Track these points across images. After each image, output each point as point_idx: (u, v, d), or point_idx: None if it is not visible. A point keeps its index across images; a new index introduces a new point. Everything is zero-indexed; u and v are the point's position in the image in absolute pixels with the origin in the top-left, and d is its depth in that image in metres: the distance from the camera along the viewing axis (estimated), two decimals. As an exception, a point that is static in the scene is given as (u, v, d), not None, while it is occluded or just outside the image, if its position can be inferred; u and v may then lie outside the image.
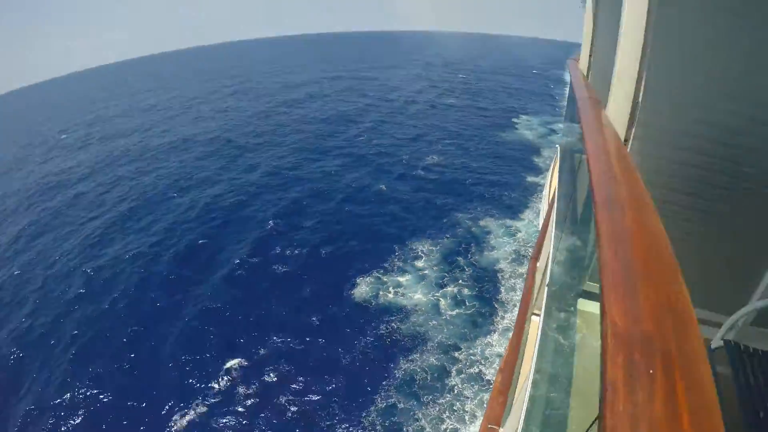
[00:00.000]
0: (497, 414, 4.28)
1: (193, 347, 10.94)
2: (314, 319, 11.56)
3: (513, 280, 12.69)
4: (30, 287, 14.35)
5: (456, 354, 10.18)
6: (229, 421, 8.98)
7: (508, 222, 16.19)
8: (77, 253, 15.93)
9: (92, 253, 15.81)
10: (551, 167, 11.66)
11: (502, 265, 13.43)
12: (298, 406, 9.19)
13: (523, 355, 4.39)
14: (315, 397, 9.34)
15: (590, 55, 5.74)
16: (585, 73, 5.65)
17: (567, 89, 7.04)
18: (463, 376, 9.61)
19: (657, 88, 2.13)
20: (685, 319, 0.90)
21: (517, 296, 11.61)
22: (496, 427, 4.15)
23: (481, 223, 16.22)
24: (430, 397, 9.18)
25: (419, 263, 13.79)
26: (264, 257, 14.47)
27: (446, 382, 9.48)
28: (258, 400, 9.35)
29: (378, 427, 8.63)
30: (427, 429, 8.55)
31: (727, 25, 1.95)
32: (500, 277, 12.86)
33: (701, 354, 0.86)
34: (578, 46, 6.10)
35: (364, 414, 8.91)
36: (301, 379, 9.79)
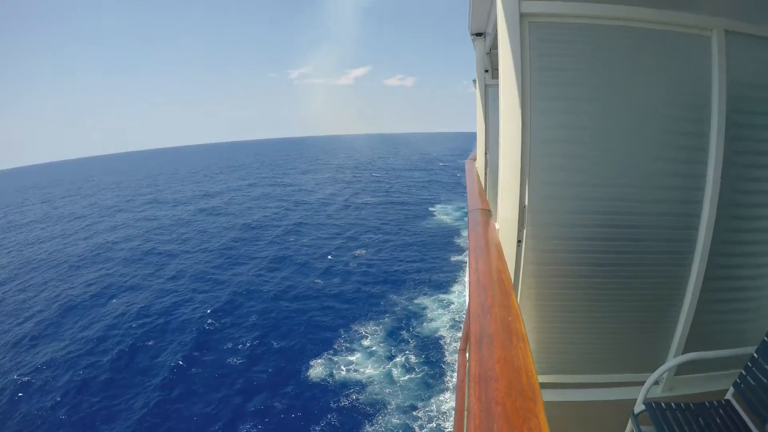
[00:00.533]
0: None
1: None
2: (276, 404, 12.09)
3: (455, 344, 14.12)
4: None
5: (414, 413, 11.23)
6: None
7: (441, 296, 17.96)
8: (9, 360, 15.12)
9: (24, 360, 15.08)
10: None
11: (443, 332, 14.98)
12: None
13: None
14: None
15: (486, 152, 5.97)
16: (484, 170, 5.92)
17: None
18: (425, 430, 10.67)
19: (539, 189, 2.25)
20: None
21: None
22: None
23: (416, 301, 17.82)
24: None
25: (365, 342, 14.89)
26: (213, 353, 14.72)
27: (411, 438, 10.50)
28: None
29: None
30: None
31: (595, 124, 2.20)
32: (442, 343, 14.30)
33: None
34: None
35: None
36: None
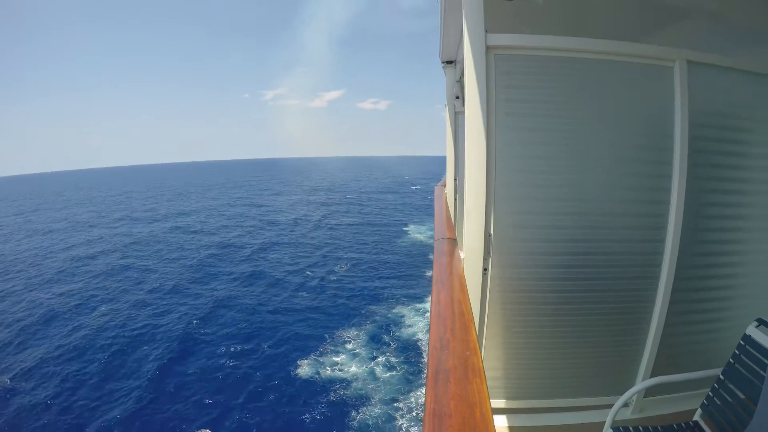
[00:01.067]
0: None
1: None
2: (271, 396, 13.21)
3: (431, 346, 15.48)
4: None
5: (396, 404, 12.53)
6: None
7: (417, 305, 19.40)
8: None
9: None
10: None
11: (420, 335, 16.38)
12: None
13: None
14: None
15: (455, 179, 5.93)
16: (453, 196, 5.88)
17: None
18: (405, 418, 11.95)
19: (504, 218, 2.28)
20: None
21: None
22: None
23: (394, 310, 19.19)
24: (384, 435, 11.34)
25: (349, 345, 16.14)
26: (201, 358, 15.62)
27: (394, 424, 11.71)
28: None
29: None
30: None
31: (562, 154, 2.24)
32: (420, 345, 15.69)
33: None
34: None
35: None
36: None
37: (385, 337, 16.55)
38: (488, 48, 2.12)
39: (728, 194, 2.47)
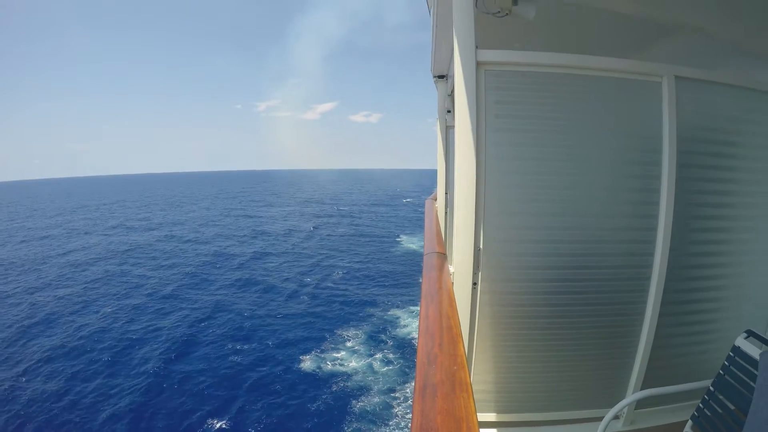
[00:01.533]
0: None
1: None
2: (278, 386, 14.34)
3: (426, 344, 16.63)
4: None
5: (394, 394, 13.68)
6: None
7: (412, 308, 20.62)
8: None
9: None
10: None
11: (415, 335, 17.32)
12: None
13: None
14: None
15: (446, 193, 5.94)
16: (444, 210, 5.87)
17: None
18: (402, 405, 13.10)
19: (494, 233, 2.31)
20: None
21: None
22: None
23: (390, 312, 20.40)
24: (383, 421, 12.42)
25: (348, 343, 17.30)
26: (204, 355, 16.63)
27: (392, 411, 12.86)
28: None
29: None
30: (384, 441, 11.70)
31: (552, 169, 2.29)
32: (415, 343, 16.57)
33: None
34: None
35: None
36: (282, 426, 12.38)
37: (382, 336, 17.79)
38: (478, 64, 2.16)
39: (716, 207, 2.49)
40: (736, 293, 2.64)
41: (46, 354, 16.90)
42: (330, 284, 25.29)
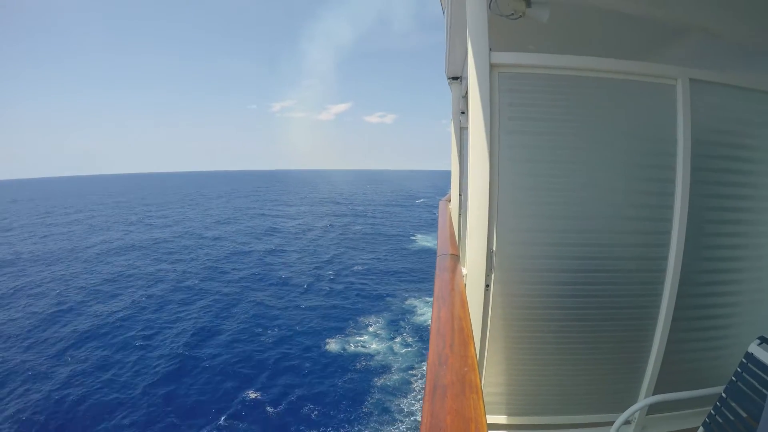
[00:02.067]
0: None
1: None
2: (306, 364, 15.56)
3: (442, 329, 18.04)
4: None
5: (412, 371, 14.76)
6: None
7: (427, 299, 21.70)
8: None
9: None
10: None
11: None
12: (310, 419, 12.88)
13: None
14: (322, 409, 13.18)
15: (460, 194, 5.81)
16: (458, 212, 5.81)
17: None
18: (419, 382, 14.15)
19: (507, 235, 2.31)
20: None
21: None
22: None
23: (407, 302, 21.55)
24: (402, 394, 13.57)
25: (370, 329, 18.47)
26: (237, 338, 17.92)
27: (410, 387, 13.99)
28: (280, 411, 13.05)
29: (373, 415, 12.80)
30: (405, 410, 12.95)
31: (565, 172, 2.27)
32: (432, 328, 18.09)
33: None
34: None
35: (361, 408, 12.97)
36: (310, 402, 13.59)
37: (401, 323, 18.96)
38: (492, 66, 2.15)
39: (730, 211, 2.45)
40: (751, 298, 2.59)
41: (83, 335, 18.38)
42: (348, 278, 26.55)
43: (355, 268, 29.05)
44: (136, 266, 30.17)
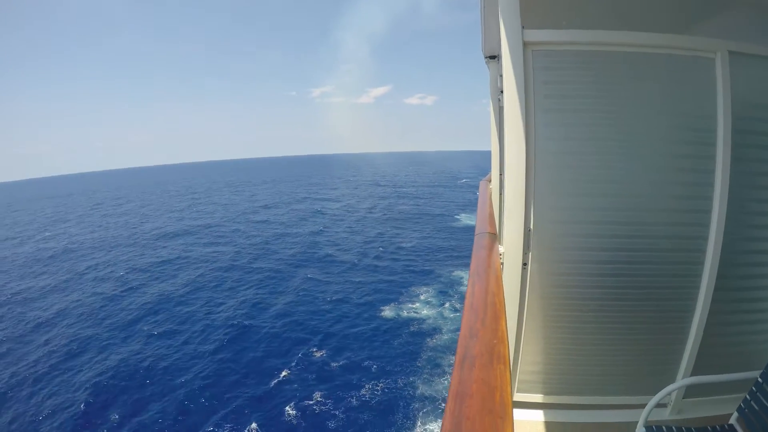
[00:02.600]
0: None
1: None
2: (364, 327, 17.44)
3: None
4: None
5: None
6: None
7: (474, 272, 23.13)
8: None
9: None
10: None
11: (478, 291, 20.11)
12: (371, 372, 14.59)
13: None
14: (380, 364, 14.85)
15: (500, 174, 5.71)
16: (498, 192, 5.77)
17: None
18: (468, 342, 15.73)
19: (544, 213, 2.32)
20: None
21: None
22: None
23: (454, 274, 23.16)
24: (452, 352, 14.90)
25: (422, 297, 20.21)
26: (308, 312, 19.85)
27: (458, 346, 15.54)
28: (339, 371, 14.78)
29: (426, 369, 14.34)
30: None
31: (603, 149, 2.24)
32: (480, 298, 19.44)
33: None
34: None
35: (415, 363, 14.62)
36: (369, 358, 15.37)
37: (450, 291, 20.59)
38: (525, 44, 2.14)
39: None
40: None
41: (151, 308, 20.85)
42: (396, 254, 28.38)
43: (403, 245, 30.86)
44: (190, 249, 32.89)
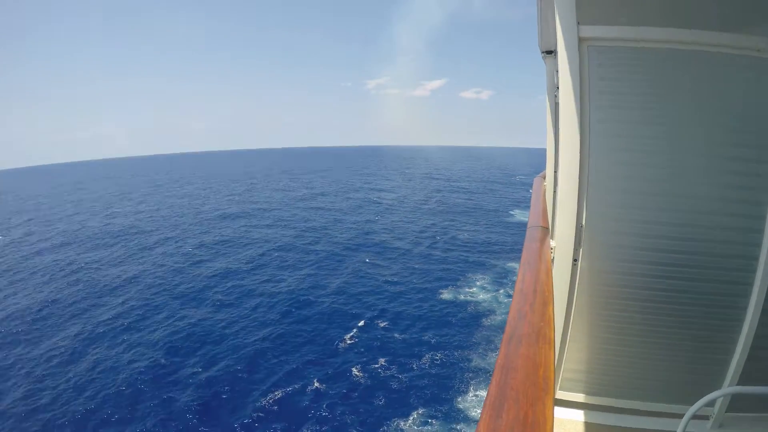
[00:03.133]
0: None
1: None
2: (424, 305, 19.14)
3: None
4: None
5: (514, 317, 17.61)
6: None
7: (528, 262, 24.26)
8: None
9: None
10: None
11: (531, 282, 21.32)
12: (430, 344, 16.14)
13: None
14: (440, 338, 16.39)
15: (555, 171, 4.99)
16: (552, 188, 5.66)
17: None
18: (522, 324, 16.99)
19: (597, 210, 2.28)
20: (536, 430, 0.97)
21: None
22: None
23: (508, 264, 24.45)
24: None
25: (478, 283, 21.70)
26: (372, 292, 21.79)
27: (514, 326, 16.83)
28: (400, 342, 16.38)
29: (481, 344, 15.73)
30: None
31: (657, 148, 2.19)
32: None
33: None
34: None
35: (471, 339, 16.12)
36: (429, 331, 16.99)
37: (504, 280, 21.94)
38: (581, 40, 2.11)
39: None
40: None
41: (218, 279, 23.17)
42: (452, 244, 29.88)
43: (458, 235, 32.34)
44: (252, 230, 35.44)
